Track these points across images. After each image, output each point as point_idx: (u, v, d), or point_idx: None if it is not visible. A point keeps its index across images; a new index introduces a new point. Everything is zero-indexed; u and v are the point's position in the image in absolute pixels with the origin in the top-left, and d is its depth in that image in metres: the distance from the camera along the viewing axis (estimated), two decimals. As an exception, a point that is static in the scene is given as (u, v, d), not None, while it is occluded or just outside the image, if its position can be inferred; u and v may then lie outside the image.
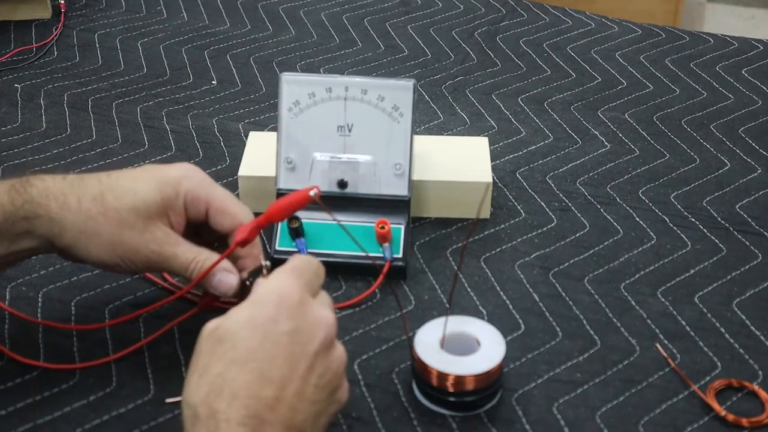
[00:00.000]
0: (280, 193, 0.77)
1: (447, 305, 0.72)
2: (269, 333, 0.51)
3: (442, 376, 0.62)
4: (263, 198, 0.81)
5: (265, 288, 0.54)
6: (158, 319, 0.71)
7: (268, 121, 0.98)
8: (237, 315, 0.53)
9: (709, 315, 0.72)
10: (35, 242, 0.62)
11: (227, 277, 0.63)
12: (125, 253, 0.62)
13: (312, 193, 0.59)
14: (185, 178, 0.63)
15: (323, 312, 0.55)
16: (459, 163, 0.82)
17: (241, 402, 0.49)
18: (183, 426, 0.51)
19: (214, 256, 0.63)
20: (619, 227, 0.81)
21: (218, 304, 0.66)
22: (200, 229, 0.66)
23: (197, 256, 0.62)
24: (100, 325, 0.70)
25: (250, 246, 0.64)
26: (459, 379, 0.61)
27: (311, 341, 0.53)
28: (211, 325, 0.53)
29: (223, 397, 0.49)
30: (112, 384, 0.65)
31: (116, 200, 0.61)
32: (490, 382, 0.62)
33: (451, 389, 0.62)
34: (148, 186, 0.62)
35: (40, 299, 0.73)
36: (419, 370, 0.63)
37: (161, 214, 0.62)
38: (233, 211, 0.64)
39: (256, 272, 0.61)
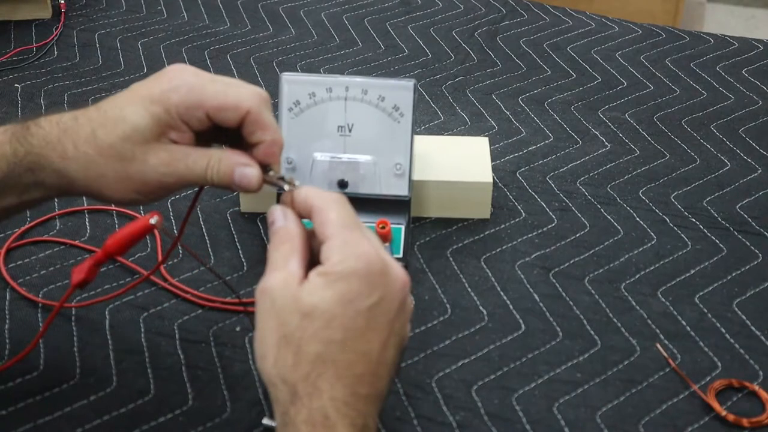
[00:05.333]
0: (280, 194, 0.77)
1: (446, 305, 0.72)
2: (360, 308, 0.51)
3: None
4: (264, 198, 0.81)
5: (347, 257, 0.52)
6: (159, 319, 0.71)
7: (269, 121, 0.97)
8: (324, 292, 0.51)
9: (709, 315, 0.72)
10: (47, 192, 0.60)
11: (247, 171, 0.59)
12: (137, 186, 0.58)
13: (153, 221, 0.57)
14: (172, 91, 0.58)
15: (399, 272, 0.54)
16: (459, 163, 0.82)
17: (343, 381, 0.50)
18: (273, 400, 0.51)
19: (225, 154, 0.59)
20: (619, 227, 0.81)
21: None
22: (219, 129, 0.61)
23: (209, 161, 0.58)
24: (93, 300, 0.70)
25: (261, 131, 0.59)
26: None
27: (392, 307, 0.53)
28: (291, 293, 0.51)
29: (326, 377, 0.50)
30: (112, 384, 0.65)
31: (108, 135, 0.57)
32: None
33: None
34: (135, 110, 0.58)
35: (40, 299, 0.73)
36: None
37: (159, 134, 0.58)
38: (233, 104, 0.58)
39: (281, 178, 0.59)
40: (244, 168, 0.59)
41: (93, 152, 0.57)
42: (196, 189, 0.83)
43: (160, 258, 0.76)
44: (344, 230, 0.53)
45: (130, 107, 0.58)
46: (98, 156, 0.57)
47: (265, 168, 0.59)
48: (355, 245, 0.53)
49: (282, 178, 0.59)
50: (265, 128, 0.59)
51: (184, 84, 0.58)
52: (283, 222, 0.56)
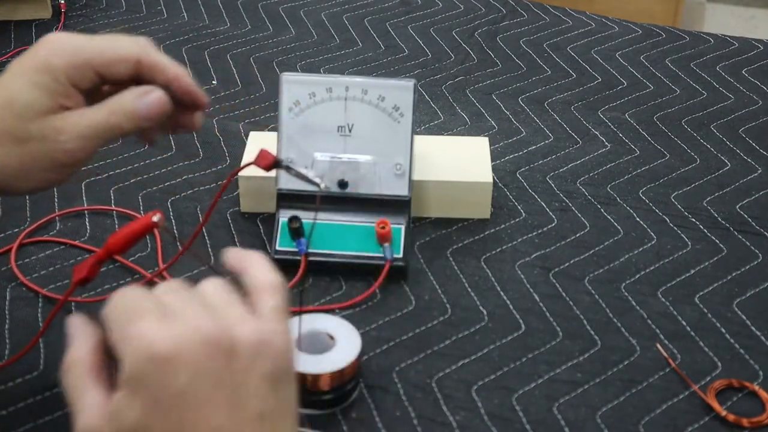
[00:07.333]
0: (280, 193, 0.77)
1: (446, 305, 0.73)
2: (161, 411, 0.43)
3: (300, 377, 0.59)
4: (263, 198, 0.81)
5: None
6: (158, 319, 0.71)
7: (268, 121, 0.97)
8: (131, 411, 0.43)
9: (709, 315, 0.72)
10: None
11: (149, 97, 0.56)
12: (46, 165, 0.54)
13: (156, 218, 0.54)
14: (53, 56, 0.54)
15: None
16: (459, 163, 0.82)
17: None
18: None
19: (120, 95, 0.56)
20: (619, 227, 0.81)
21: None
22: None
23: (110, 108, 0.55)
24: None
25: (160, 72, 0.57)
26: (315, 378, 0.61)
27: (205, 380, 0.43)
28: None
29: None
30: (112, 384, 0.65)
31: (1, 121, 0.53)
32: (347, 379, 0.63)
33: (311, 389, 0.62)
34: (21, 86, 0.53)
35: (40, 299, 0.73)
36: None
37: (51, 105, 0.54)
38: (120, 56, 0.55)
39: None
40: (145, 96, 0.56)
41: None
42: (201, 190, 0.84)
43: (160, 257, 0.76)
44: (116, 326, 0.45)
45: (15, 84, 0.54)
46: None
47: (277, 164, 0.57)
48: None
49: (308, 175, 0.57)
50: (164, 68, 0.57)
51: (64, 46, 0.55)
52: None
